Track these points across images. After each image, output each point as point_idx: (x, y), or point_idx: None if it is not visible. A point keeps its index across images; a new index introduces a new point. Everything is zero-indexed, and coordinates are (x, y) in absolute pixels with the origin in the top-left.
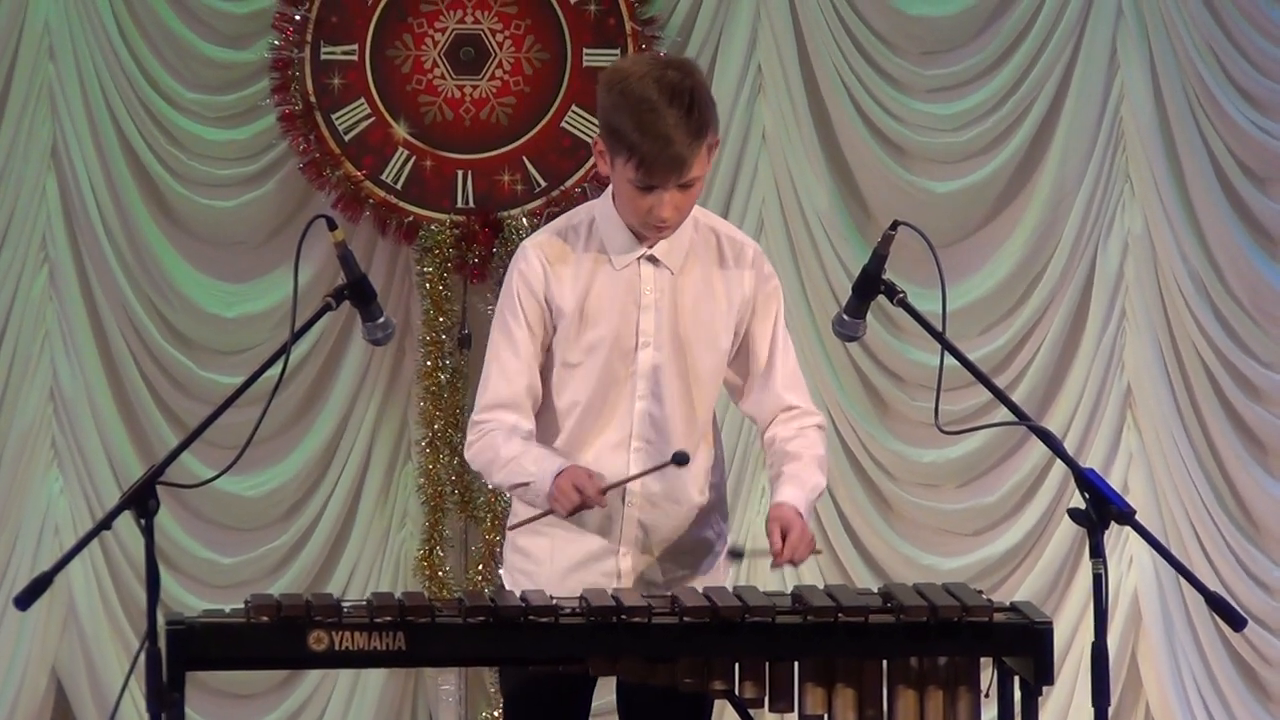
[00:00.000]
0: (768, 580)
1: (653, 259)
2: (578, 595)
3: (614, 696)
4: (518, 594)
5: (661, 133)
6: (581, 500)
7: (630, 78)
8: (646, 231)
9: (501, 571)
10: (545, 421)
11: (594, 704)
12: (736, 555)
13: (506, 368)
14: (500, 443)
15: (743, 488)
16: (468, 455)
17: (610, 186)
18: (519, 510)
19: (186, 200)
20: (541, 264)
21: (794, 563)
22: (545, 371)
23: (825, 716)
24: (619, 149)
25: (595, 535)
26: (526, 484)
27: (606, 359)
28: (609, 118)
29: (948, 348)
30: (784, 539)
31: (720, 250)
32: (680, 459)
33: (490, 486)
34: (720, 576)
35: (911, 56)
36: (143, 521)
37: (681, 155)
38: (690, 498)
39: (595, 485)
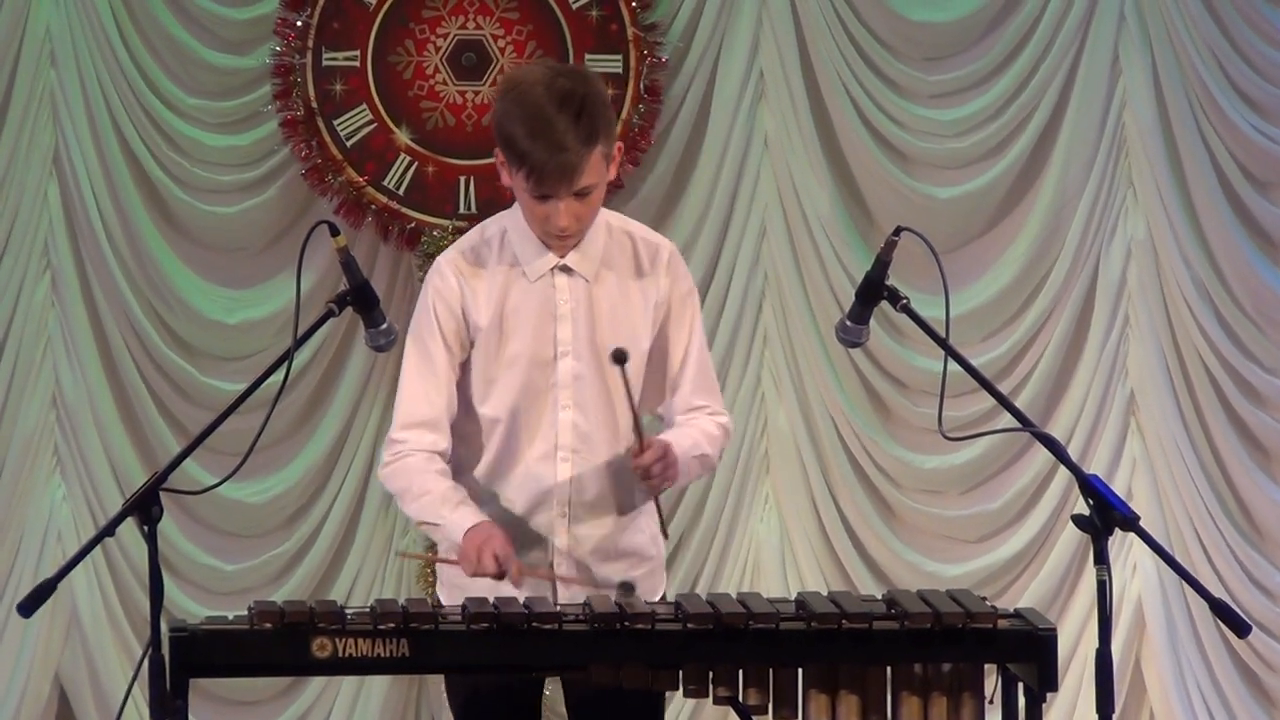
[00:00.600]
0: (771, 588)
1: (566, 269)
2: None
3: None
4: (520, 600)
5: (551, 140)
6: (497, 573)
7: (522, 85)
8: (549, 241)
9: (438, 588)
10: (470, 435)
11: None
12: (627, 588)
13: (424, 386)
14: (414, 471)
15: (745, 496)
16: (381, 474)
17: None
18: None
19: (188, 206)
20: (457, 280)
21: (649, 476)
22: (466, 387)
23: None
24: (513, 158)
25: (530, 549)
26: (437, 525)
27: (526, 371)
28: (502, 126)
29: (951, 353)
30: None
31: (636, 255)
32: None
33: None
34: (658, 584)
35: (914, 62)
36: (146, 528)
37: (571, 163)
38: (620, 504)
39: (517, 564)
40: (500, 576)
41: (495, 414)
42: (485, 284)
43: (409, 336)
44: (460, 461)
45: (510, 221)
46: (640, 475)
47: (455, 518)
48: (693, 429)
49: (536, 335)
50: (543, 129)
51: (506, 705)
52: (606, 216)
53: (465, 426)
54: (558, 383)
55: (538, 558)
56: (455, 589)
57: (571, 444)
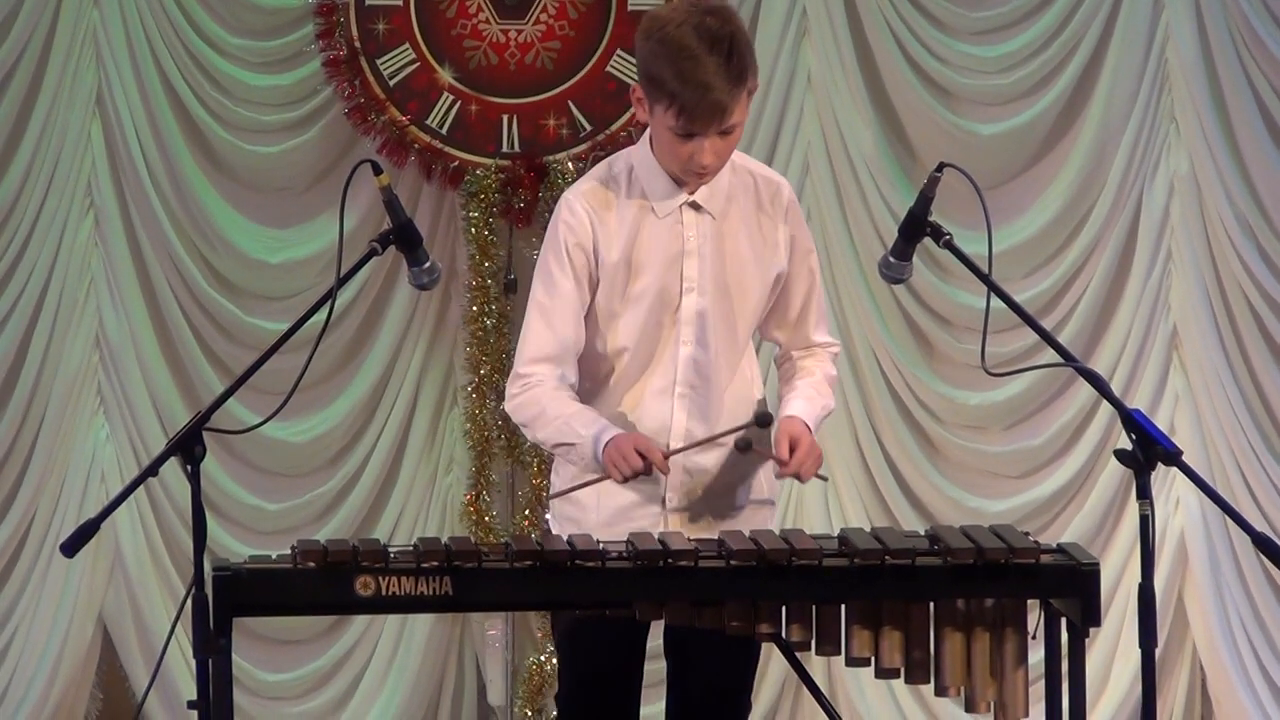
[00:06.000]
0: (815, 524)
1: (695, 205)
2: (623, 539)
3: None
4: (564, 538)
5: (702, 80)
6: (645, 466)
7: (669, 25)
8: (687, 178)
9: (549, 517)
10: (588, 369)
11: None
12: (745, 448)
13: (552, 320)
14: (546, 398)
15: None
16: (509, 407)
17: (647, 133)
18: (566, 476)
19: (231, 146)
20: (588, 215)
21: (800, 477)
22: (589, 320)
23: (871, 659)
24: (659, 97)
25: (642, 483)
26: (573, 444)
27: (652, 306)
28: (648, 66)
29: (994, 290)
30: (792, 452)
31: (757, 192)
32: (763, 420)
33: (530, 441)
34: (768, 516)
35: None
36: (189, 468)
37: (722, 102)
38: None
39: (659, 452)
40: (649, 471)
41: (617, 347)
42: (615, 219)
43: (537, 271)
44: (579, 396)
45: (638, 157)
46: (793, 476)
47: (591, 433)
48: (818, 381)
49: (665, 271)
50: (694, 70)
51: (611, 637)
52: None
53: (585, 358)
54: (681, 319)
55: (650, 490)
56: (568, 522)
57: (689, 379)
